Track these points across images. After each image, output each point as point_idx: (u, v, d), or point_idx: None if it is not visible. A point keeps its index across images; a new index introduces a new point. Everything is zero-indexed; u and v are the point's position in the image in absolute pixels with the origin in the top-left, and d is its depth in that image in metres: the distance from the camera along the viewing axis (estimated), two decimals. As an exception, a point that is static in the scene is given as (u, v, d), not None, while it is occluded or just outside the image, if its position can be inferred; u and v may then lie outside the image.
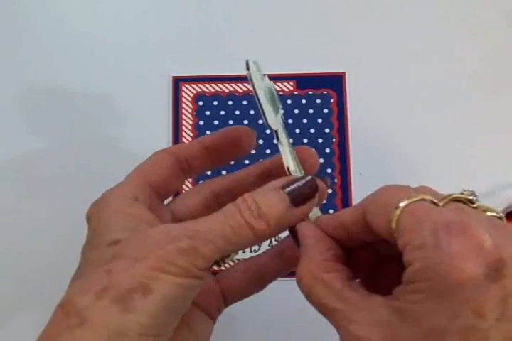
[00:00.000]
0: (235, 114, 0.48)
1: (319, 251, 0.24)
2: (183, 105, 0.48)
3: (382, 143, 0.47)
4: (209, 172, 0.47)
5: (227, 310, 0.31)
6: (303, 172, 0.28)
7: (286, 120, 0.48)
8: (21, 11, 0.51)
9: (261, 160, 0.32)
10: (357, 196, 0.46)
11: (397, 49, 0.50)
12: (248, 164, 0.47)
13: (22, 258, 0.45)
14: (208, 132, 0.48)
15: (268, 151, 0.47)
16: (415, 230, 0.20)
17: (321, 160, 0.47)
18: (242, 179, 0.31)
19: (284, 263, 0.30)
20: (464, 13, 0.50)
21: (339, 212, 0.25)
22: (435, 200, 0.21)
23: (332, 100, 0.48)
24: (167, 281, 0.22)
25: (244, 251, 0.44)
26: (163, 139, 0.47)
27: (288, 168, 0.27)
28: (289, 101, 0.48)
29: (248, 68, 0.28)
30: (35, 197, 0.46)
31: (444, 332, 0.18)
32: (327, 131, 0.48)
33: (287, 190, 0.25)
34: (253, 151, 0.47)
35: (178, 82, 0.48)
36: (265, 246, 0.45)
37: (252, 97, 0.48)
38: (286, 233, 0.27)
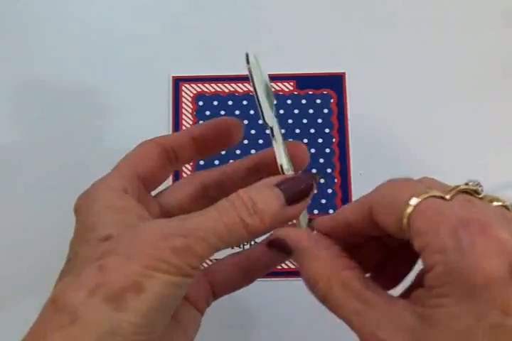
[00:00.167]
0: (235, 114, 0.48)
1: (326, 249, 0.24)
2: (183, 105, 0.48)
3: (382, 143, 0.47)
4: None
5: (219, 309, 0.31)
6: (292, 168, 0.28)
7: (286, 120, 0.48)
8: (23, 9, 0.51)
9: (250, 154, 0.32)
10: (357, 196, 0.46)
11: (397, 49, 0.50)
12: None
13: (10, 252, 0.45)
14: (208, 132, 0.48)
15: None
16: (432, 232, 0.20)
17: (321, 160, 0.47)
18: (232, 172, 0.30)
19: (274, 259, 0.30)
20: (463, 13, 0.51)
21: (338, 211, 0.25)
22: (443, 195, 0.21)
23: (332, 100, 0.48)
24: (160, 280, 0.22)
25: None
26: (163, 139, 0.47)
27: (281, 166, 0.27)
28: (289, 101, 0.48)
29: (248, 62, 0.27)
30: (32, 194, 0.46)
31: (473, 333, 0.18)
32: (327, 131, 0.48)
33: (282, 188, 0.25)
34: (253, 151, 0.47)
35: (178, 82, 0.48)
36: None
37: (252, 97, 0.48)
38: None
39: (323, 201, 0.46)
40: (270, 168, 0.29)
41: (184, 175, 0.47)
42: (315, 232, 0.26)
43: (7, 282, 0.45)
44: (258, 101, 0.27)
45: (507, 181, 0.46)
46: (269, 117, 0.27)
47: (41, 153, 0.47)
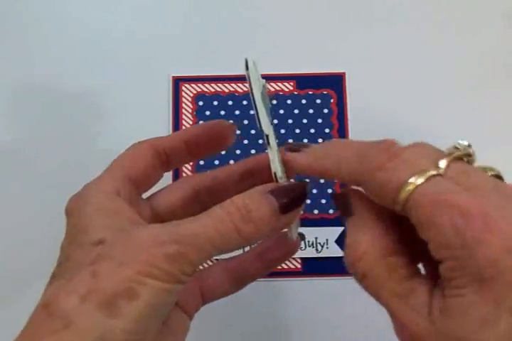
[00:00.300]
0: (235, 114, 0.48)
1: (383, 228, 0.23)
2: (183, 105, 0.48)
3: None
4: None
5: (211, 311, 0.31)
6: (285, 176, 0.28)
7: (286, 120, 0.48)
8: (23, 9, 0.51)
9: (243, 159, 0.32)
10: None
11: (397, 49, 0.50)
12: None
13: (8, 251, 0.45)
14: (208, 132, 0.48)
15: (267, 151, 0.47)
16: (434, 227, 0.20)
17: (321, 160, 0.47)
18: (224, 178, 0.30)
19: (264, 266, 0.30)
20: (463, 14, 0.50)
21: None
22: (437, 172, 0.21)
23: (332, 100, 0.48)
24: (153, 286, 0.22)
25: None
26: (163, 139, 0.47)
27: (275, 174, 0.27)
28: (289, 101, 0.48)
29: (247, 68, 0.27)
30: (32, 193, 0.46)
31: (495, 317, 0.18)
32: (327, 131, 0.48)
33: (276, 195, 0.25)
34: (253, 151, 0.47)
35: (178, 82, 0.48)
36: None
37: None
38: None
39: (323, 201, 0.46)
40: (262, 174, 0.29)
41: (184, 174, 0.47)
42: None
43: (6, 281, 0.45)
44: (255, 107, 0.27)
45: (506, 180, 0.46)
46: (266, 124, 0.27)
47: (40, 154, 0.47)
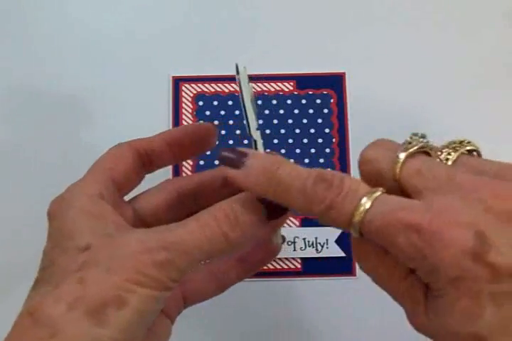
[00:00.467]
0: (235, 114, 0.48)
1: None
2: (183, 105, 0.48)
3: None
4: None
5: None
6: None
7: (286, 120, 0.48)
8: (22, 9, 0.51)
9: None
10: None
11: (397, 49, 0.50)
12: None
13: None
14: (208, 132, 0.48)
15: (267, 150, 0.47)
16: (393, 246, 0.20)
17: (321, 160, 0.47)
18: (208, 181, 0.30)
19: (245, 269, 0.30)
20: (464, 13, 0.50)
21: None
22: (381, 191, 0.21)
23: (332, 100, 0.48)
24: (142, 294, 0.22)
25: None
26: (163, 139, 0.47)
27: None
28: (289, 101, 0.48)
29: (238, 72, 0.27)
30: (31, 194, 0.46)
31: (479, 308, 0.19)
32: (327, 131, 0.48)
33: (263, 202, 0.25)
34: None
35: (178, 82, 0.48)
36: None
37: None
38: None
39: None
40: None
41: (184, 174, 0.47)
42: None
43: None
44: (245, 112, 0.27)
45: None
46: (254, 129, 0.27)
47: (40, 154, 0.47)
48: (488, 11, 0.50)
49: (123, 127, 0.48)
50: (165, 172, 0.46)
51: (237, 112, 0.48)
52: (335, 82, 0.48)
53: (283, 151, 0.47)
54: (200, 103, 0.48)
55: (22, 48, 0.50)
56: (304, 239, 0.45)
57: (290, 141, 0.47)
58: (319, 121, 0.48)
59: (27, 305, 0.22)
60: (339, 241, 0.45)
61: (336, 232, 0.45)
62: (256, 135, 0.27)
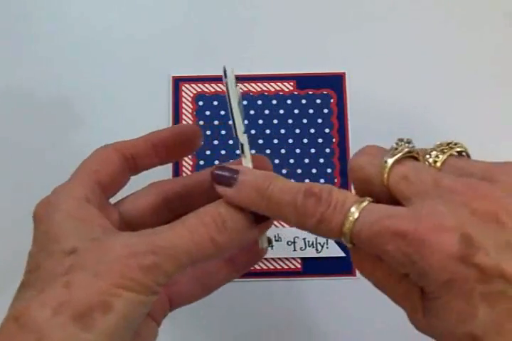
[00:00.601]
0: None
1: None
2: (183, 105, 0.48)
3: (382, 144, 0.47)
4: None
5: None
6: None
7: (286, 120, 0.48)
8: (21, 9, 0.51)
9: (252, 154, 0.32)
10: (357, 196, 0.46)
11: (397, 49, 0.50)
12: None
13: None
14: (208, 132, 0.48)
15: (268, 151, 0.47)
16: (383, 253, 0.21)
17: (321, 160, 0.47)
18: (194, 184, 0.30)
19: (233, 270, 0.30)
20: (464, 13, 0.50)
21: None
22: (368, 200, 0.22)
23: (332, 100, 0.48)
24: (128, 299, 0.22)
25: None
26: (163, 139, 0.47)
27: None
28: (289, 101, 0.48)
29: (226, 76, 0.27)
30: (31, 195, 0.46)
31: (472, 308, 0.20)
32: (327, 131, 0.48)
33: None
34: (253, 151, 0.47)
35: (178, 82, 0.48)
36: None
37: (252, 97, 0.48)
38: None
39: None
40: None
41: (184, 174, 0.47)
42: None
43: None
44: (232, 116, 0.26)
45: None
46: (241, 133, 0.27)
47: (39, 154, 0.47)
48: (489, 11, 0.50)
49: (123, 127, 0.48)
50: (165, 172, 0.46)
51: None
52: (335, 82, 0.48)
53: (283, 151, 0.47)
54: (200, 103, 0.48)
55: (22, 48, 0.50)
56: (304, 239, 0.45)
57: (290, 141, 0.47)
58: (319, 121, 0.48)
59: (12, 309, 0.22)
60: (339, 242, 0.45)
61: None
62: (243, 138, 0.27)
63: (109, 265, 0.22)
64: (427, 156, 0.23)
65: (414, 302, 0.22)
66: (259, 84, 0.48)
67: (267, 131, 0.47)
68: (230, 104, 0.26)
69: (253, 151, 0.47)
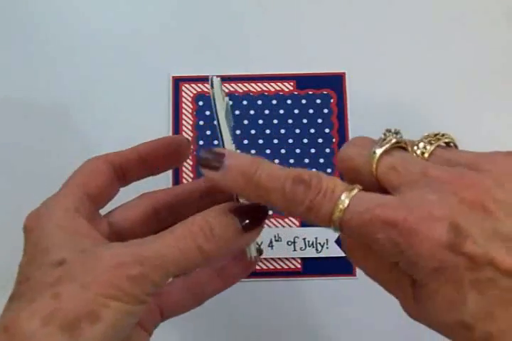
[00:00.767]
0: (235, 114, 0.48)
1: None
2: (183, 105, 0.48)
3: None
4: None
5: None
6: None
7: (286, 120, 0.48)
8: (20, 8, 0.51)
9: (251, 154, 0.32)
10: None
11: (397, 49, 0.50)
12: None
13: None
14: (208, 132, 0.48)
15: (268, 151, 0.47)
16: (372, 242, 0.21)
17: (321, 160, 0.47)
18: (185, 195, 0.30)
19: (225, 281, 0.30)
20: (464, 13, 0.50)
21: None
22: (358, 188, 0.22)
23: (332, 100, 0.48)
24: (116, 309, 0.22)
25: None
26: (163, 139, 0.47)
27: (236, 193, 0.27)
28: (289, 101, 0.48)
29: (212, 86, 0.27)
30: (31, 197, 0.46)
31: (461, 296, 0.20)
32: (327, 131, 0.48)
33: (238, 215, 0.25)
34: (253, 151, 0.47)
35: (178, 82, 0.48)
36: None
37: (252, 97, 0.48)
38: None
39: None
40: (223, 191, 0.29)
41: (184, 174, 0.47)
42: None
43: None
44: (219, 126, 0.26)
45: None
46: (228, 143, 0.27)
47: (38, 153, 0.47)
48: (488, 11, 0.50)
49: (123, 127, 0.48)
50: (165, 173, 0.46)
51: (237, 112, 0.48)
52: (335, 82, 0.48)
53: (283, 151, 0.47)
54: (200, 103, 0.48)
55: (22, 48, 0.50)
56: (304, 239, 0.45)
57: (290, 141, 0.47)
58: (319, 121, 0.48)
59: (2, 319, 0.22)
60: (339, 241, 0.45)
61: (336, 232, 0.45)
62: (231, 148, 0.27)
63: (96, 275, 0.22)
64: (415, 148, 0.23)
65: (406, 290, 0.22)
66: (259, 84, 0.48)
67: (267, 131, 0.47)
68: (217, 115, 0.26)
69: (253, 151, 0.47)
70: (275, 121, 0.48)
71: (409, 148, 0.23)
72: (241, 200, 0.26)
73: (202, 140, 0.47)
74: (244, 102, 0.48)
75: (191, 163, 0.47)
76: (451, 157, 0.23)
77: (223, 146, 0.26)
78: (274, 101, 0.48)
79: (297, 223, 0.46)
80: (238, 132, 0.47)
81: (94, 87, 0.49)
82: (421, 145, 0.23)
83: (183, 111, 0.48)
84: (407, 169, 0.22)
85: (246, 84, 0.48)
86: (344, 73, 0.49)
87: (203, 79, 0.48)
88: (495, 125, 0.48)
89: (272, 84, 0.48)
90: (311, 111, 0.48)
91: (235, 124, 0.47)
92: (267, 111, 0.48)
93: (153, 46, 0.50)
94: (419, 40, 0.50)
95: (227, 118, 0.26)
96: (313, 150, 0.47)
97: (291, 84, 0.48)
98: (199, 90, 0.48)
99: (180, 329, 0.44)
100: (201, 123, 0.48)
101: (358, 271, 0.45)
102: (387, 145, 0.23)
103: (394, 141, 0.23)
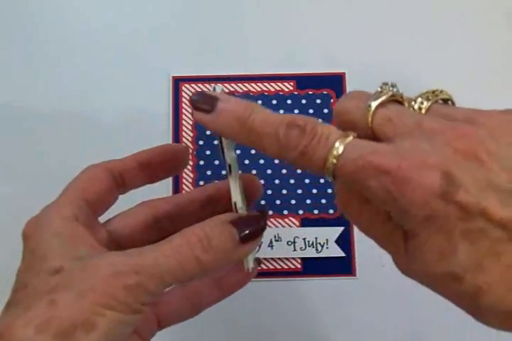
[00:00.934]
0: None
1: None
2: (183, 105, 0.48)
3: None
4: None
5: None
6: (246, 204, 0.27)
7: (286, 120, 0.48)
8: (19, 8, 0.51)
9: (204, 185, 0.32)
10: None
11: (397, 49, 0.50)
12: (248, 164, 0.47)
13: None
14: (208, 132, 0.48)
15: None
16: (365, 189, 0.21)
17: (321, 160, 0.47)
18: (185, 204, 0.30)
19: (222, 291, 0.30)
20: (464, 13, 0.50)
21: None
22: (353, 136, 0.22)
23: (332, 100, 0.48)
24: (111, 318, 0.22)
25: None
26: (163, 139, 0.47)
27: (235, 204, 0.27)
28: (289, 101, 0.48)
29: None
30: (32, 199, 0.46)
31: (451, 247, 0.20)
32: (327, 131, 0.48)
33: (237, 226, 0.25)
34: (253, 151, 0.47)
35: (178, 82, 0.48)
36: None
37: (252, 97, 0.48)
38: None
39: (324, 201, 0.46)
40: (222, 201, 0.29)
41: (184, 174, 0.47)
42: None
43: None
44: (219, 136, 0.26)
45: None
46: (228, 154, 0.26)
47: (38, 155, 0.47)
48: (489, 11, 0.50)
49: (123, 127, 0.48)
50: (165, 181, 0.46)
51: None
52: (335, 82, 0.48)
53: (283, 151, 0.47)
54: (200, 103, 0.48)
55: (22, 48, 0.50)
56: (304, 239, 0.45)
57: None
58: (319, 121, 0.48)
59: None
60: (339, 241, 0.45)
61: (336, 232, 0.45)
62: (231, 159, 0.26)
63: (93, 284, 0.22)
64: (412, 103, 0.23)
65: (398, 244, 0.22)
66: (259, 84, 0.48)
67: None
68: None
69: (253, 151, 0.47)
70: (275, 121, 0.48)
71: (406, 104, 0.23)
72: (240, 211, 0.26)
73: (202, 140, 0.47)
74: (244, 102, 0.48)
75: (191, 163, 0.47)
76: (448, 112, 0.23)
77: (223, 158, 0.26)
78: (274, 101, 0.48)
79: (297, 223, 0.46)
80: (238, 132, 0.47)
81: (94, 87, 0.49)
82: (418, 100, 0.24)
83: (183, 111, 0.48)
84: (402, 121, 0.22)
85: (246, 84, 0.48)
86: (344, 73, 0.49)
87: (203, 79, 0.48)
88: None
89: (271, 84, 0.48)
90: (311, 111, 0.48)
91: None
92: (267, 111, 0.48)
93: (153, 46, 0.50)
94: (419, 40, 0.50)
95: None
96: (313, 150, 0.47)
97: (291, 84, 0.48)
98: (199, 90, 0.48)
99: (180, 329, 0.44)
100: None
101: (358, 271, 0.45)
102: (384, 98, 0.23)
103: (390, 93, 0.23)
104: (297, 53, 0.49)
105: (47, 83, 0.49)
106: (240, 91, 0.48)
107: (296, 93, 0.48)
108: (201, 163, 0.47)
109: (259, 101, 0.48)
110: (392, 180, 0.20)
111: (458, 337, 0.43)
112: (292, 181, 0.46)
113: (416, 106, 0.23)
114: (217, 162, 0.47)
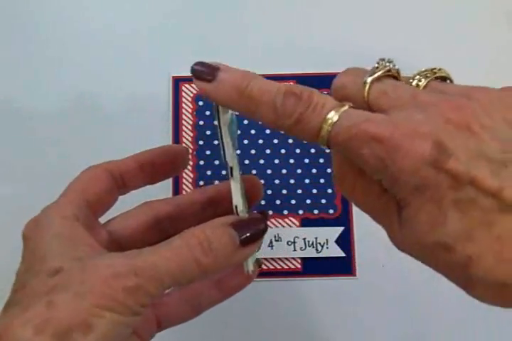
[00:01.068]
0: (235, 114, 0.48)
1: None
2: (183, 105, 0.48)
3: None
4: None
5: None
6: (247, 206, 0.27)
7: (286, 120, 0.48)
8: (19, 7, 0.51)
9: (205, 187, 0.32)
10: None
11: (397, 49, 0.50)
12: (248, 164, 0.47)
13: None
14: (208, 132, 0.48)
15: (268, 151, 0.47)
16: (358, 157, 0.21)
17: (321, 160, 0.47)
18: (186, 206, 0.30)
19: (222, 293, 0.30)
20: (464, 13, 0.50)
21: None
22: (348, 106, 0.22)
23: (332, 100, 0.48)
24: (110, 319, 0.22)
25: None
26: (163, 139, 0.47)
27: (236, 207, 0.26)
28: (289, 101, 0.48)
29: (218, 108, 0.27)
30: (32, 200, 0.46)
31: (441, 215, 0.20)
32: (327, 131, 0.48)
33: (237, 229, 0.25)
34: (253, 151, 0.47)
35: (178, 82, 0.48)
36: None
37: (252, 97, 0.48)
38: None
39: (323, 201, 0.46)
40: (223, 203, 0.30)
41: (185, 174, 0.47)
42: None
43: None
44: (221, 139, 0.26)
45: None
46: (230, 156, 0.26)
47: (38, 155, 0.47)
48: (489, 11, 0.50)
49: (123, 127, 0.48)
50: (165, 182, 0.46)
51: (237, 112, 0.48)
52: (335, 82, 0.48)
53: (283, 151, 0.47)
54: (200, 103, 0.48)
55: (22, 48, 0.50)
56: (304, 239, 0.45)
57: (290, 141, 0.47)
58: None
59: None
60: (339, 241, 0.45)
61: (336, 232, 0.45)
62: (232, 162, 0.26)
63: (91, 285, 0.22)
64: (410, 81, 0.24)
65: (392, 217, 0.22)
66: (259, 84, 0.48)
67: (267, 131, 0.47)
68: (220, 128, 0.26)
69: (253, 151, 0.47)
70: (275, 121, 0.48)
71: (404, 80, 0.24)
72: (240, 214, 0.26)
73: (202, 140, 0.47)
74: (244, 102, 0.48)
75: (191, 163, 0.47)
76: (444, 88, 0.23)
77: (224, 160, 0.26)
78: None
79: (297, 223, 0.46)
80: (238, 132, 0.47)
81: (95, 86, 0.49)
82: (416, 77, 0.24)
83: (183, 111, 0.48)
84: (397, 94, 0.22)
85: (246, 84, 0.48)
86: (344, 73, 0.49)
87: (203, 79, 0.48)
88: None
89: (272, 84, 0.48)
90: (311, 111, 0.48)
91: (238, 124, 0.47)
92: (267, 111, 0.48)
93: (153, 46, 0.50)
94: (419, 40, 0.50)
95: (230, 132, 0.26)
96: (313, 150, 0.47)
97: (291, 84, 0.48)
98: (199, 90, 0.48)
99: (180, 329, 0.44)
100: (201, 123, 0.48)
101: (358, 271, 0.45)
102: (380, 73, 0.23)
103: (386, 69, 0.23)
104: (297, 53, 0.49)
105: (47, 83, 0.49)
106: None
107: (296, 93, 0.48)
108: (201, 163, 0.47)
109: (259, 101, 0.48)
110: (384, 148, 0.20)
111: (458, 337, 0.43)
112: (292, 181, 0.46)
113: (414, 83, 0.24)
114: (217, 162, 0.47)
